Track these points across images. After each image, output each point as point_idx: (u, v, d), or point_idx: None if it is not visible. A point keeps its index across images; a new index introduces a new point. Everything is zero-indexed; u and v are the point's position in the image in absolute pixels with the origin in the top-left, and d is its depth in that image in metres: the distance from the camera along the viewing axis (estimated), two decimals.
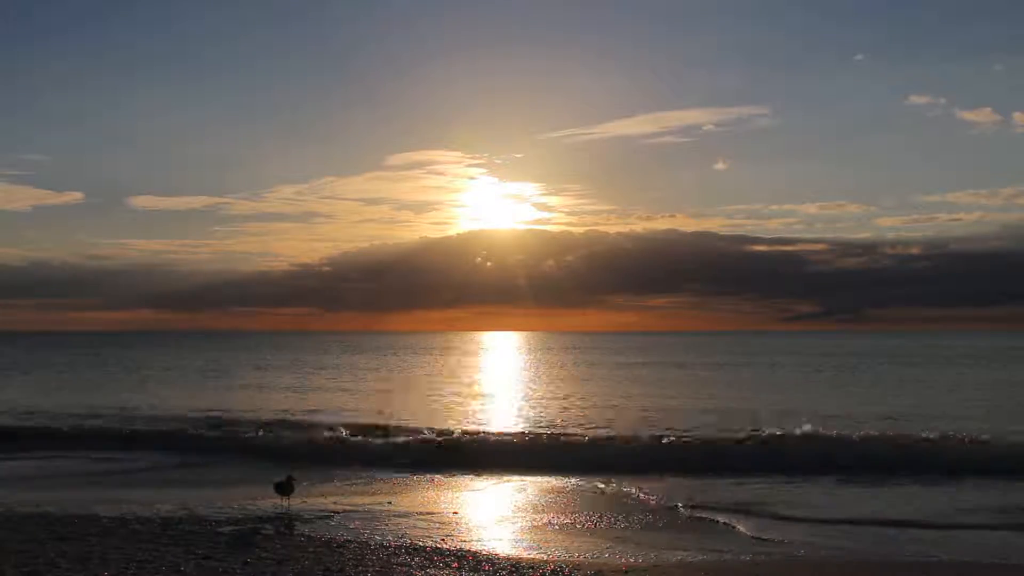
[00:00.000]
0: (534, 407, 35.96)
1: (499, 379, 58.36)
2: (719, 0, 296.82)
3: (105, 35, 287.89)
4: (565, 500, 16.94)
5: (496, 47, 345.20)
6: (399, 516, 15.34)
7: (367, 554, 12.28)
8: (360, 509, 15.87)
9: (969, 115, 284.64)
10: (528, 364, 79.71)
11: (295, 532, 13.91)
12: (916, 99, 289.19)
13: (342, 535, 13.65)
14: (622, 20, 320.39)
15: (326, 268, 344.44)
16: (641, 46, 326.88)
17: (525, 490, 18.12)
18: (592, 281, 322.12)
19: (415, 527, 14.45)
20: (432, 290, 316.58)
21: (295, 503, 15.77)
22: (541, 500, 17.03)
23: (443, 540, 13.43)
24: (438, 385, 49.53)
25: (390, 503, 16.53)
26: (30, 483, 19.25)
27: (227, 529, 13.93)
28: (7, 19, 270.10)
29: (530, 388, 47.55)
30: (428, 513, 15.71)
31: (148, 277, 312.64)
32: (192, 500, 16.58)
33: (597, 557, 12.39)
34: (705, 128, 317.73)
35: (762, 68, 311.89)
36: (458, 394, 42.39)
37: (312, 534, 13.69)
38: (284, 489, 15.61)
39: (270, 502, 15.92)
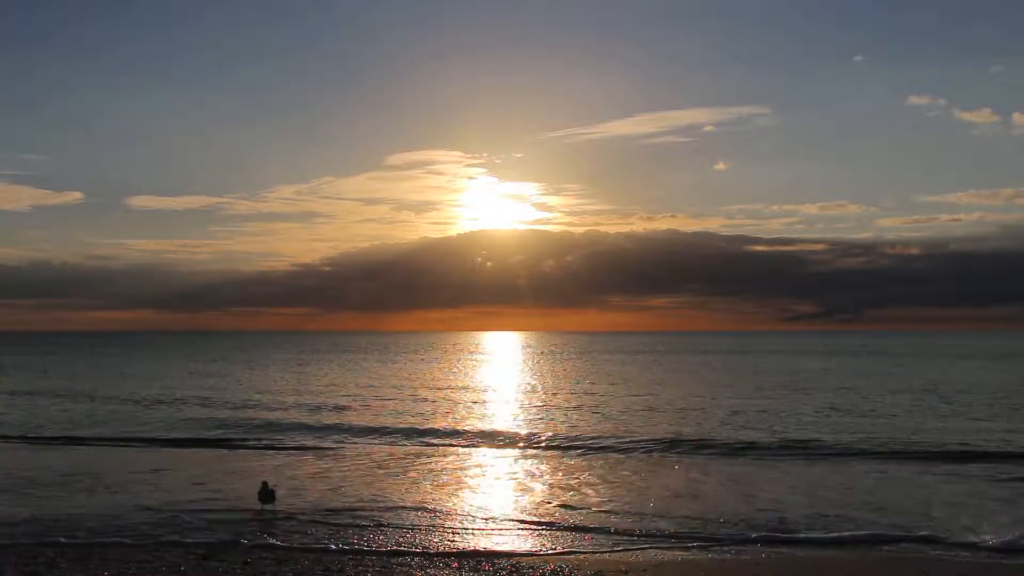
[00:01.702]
0: None
1: None
2: (719, 2, 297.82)
3: (105, 36, 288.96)
4: None
5: (496, 47, 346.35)
6: (399, 514, 15.30)
7: (367, 554, 12.26)
8: (359, 508, 15.81)
9: (968, 116, 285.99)
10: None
11: (295, 532, 13.85)
12: (915, 100, 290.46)
13: (342, 535, 13.61)
14: (622, 21, 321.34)
15: (326, 268, 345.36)
16: (641, 47, 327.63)
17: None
18: (592, 281, 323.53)
19: (415, 526, 14.43)
20: (432, 290, 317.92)
21: (297, 503, 15.73)
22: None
23: (443, 539, 13.40)
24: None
25: (387, 500, 16.48)
26: None
27: (227, 529, 13.89)
28: (7, 20, 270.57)
29: None
30: (428, 512, 15.66)
31: (148, 277, 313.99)
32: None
33: (598, 556, 12.36)
34: (705, 128, 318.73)
35: (762, 69, 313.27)
36: None
37: (312, 534, 13.66)
38: (264, 497, 15.24)
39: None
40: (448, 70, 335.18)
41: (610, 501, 16.49)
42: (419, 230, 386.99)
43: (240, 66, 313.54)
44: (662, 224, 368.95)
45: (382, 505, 16.13)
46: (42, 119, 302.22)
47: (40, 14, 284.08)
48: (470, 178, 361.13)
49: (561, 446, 23.99)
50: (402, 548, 12.63)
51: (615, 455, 22.42)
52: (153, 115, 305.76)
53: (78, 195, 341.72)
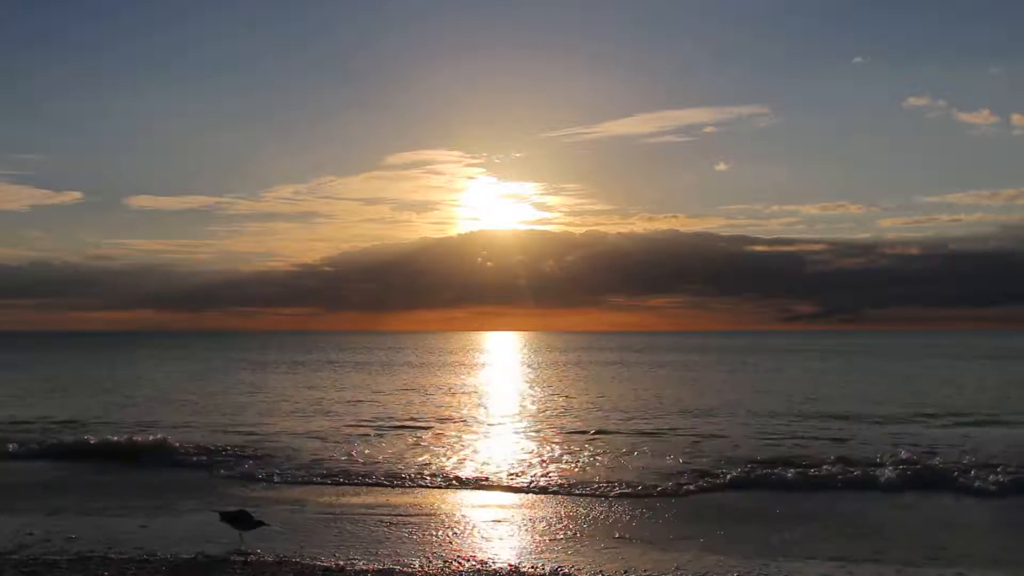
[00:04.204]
0: None
1: None
2: (720, 2, 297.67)
3: (104, 36, 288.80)
4: None
5: (496, 47, 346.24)
6: (399, 516, 15.31)
7: (371, 555, 12.27)
8: (359, 511, 15.82)
9: (968, 117, 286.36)
10: None
11: (296, 532, 13.85)
12: (915, 101, 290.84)
13: (342, 536, 13.62)
14: (622, 21, 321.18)
15: (327, 268, 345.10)
16: (641, 47, 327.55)
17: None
18: (592, 281, 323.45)
19: (415, 527, 14.44)
20: (432, 290, 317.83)
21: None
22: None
23: (442, 536, 13.41)
24: None
25: (386, 504, 16.49)
26: None
27: (227, 528, 13.85)
28: (7, 21, 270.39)
29: None
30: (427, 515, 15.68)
31: (148, 277, 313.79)
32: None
33: (595, 558, 12.36)
34: (705, 128, 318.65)
35: (762, 69, 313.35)
36: None
37: (314, 532, 13.66)
38: (239, 522, 12.88)
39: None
40: (448, 70, 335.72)
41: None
42: (419, 230, 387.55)
43: (240, 66, 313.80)
44: (662, 224, 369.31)
45: (380, 506, 16.16)
46: (42, 119, 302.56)
47: (40, 14, 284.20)
48: (470, 178, 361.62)
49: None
50: (402, 548, 12.66)
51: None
52: (153, 115, 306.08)
53: (78, 195, 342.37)
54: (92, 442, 23.40)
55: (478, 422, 30.58)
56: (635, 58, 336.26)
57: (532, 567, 11.62)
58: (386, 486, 18.25)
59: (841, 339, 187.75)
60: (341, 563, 11.75)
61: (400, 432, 27.33)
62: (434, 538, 13.53)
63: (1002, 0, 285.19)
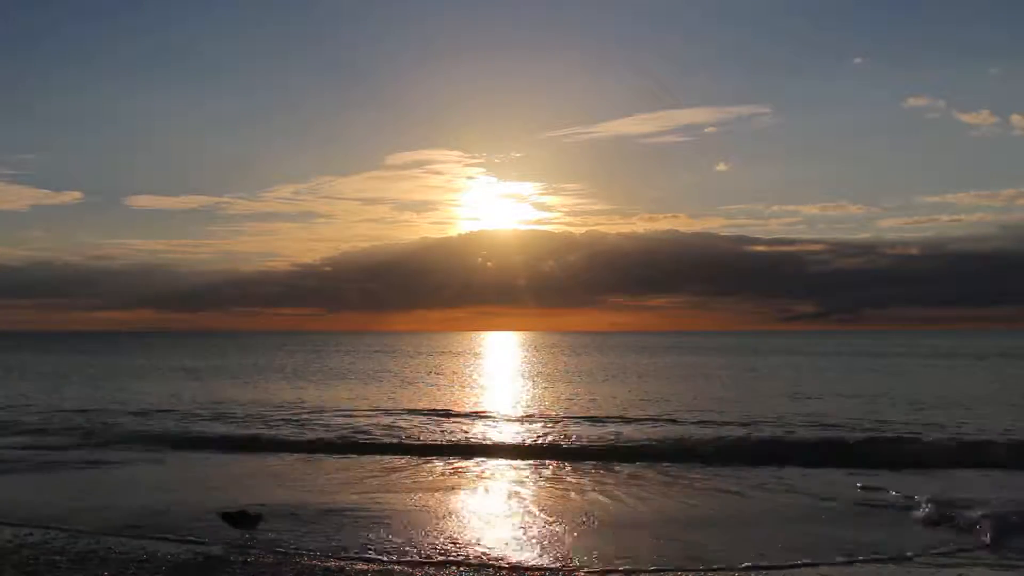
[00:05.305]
0: None
1: None
2: (720, 2, 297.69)
3: (104, 36, 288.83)
4: None
5: (496, 47, 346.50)
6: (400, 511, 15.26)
7: (372, 555, 12.24)
8: (360, 507, 15.78)
9: (967, 117, 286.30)
10: None
11: (296, 532, 13.82)
12: (915, 101, 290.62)
13: (343, 534, 13.58)
14: (622, 21, 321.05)
15: (326, 268, 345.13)
16: (641, 46, 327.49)
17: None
18: (592, 281, 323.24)
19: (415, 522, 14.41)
20: (433, 290, 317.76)
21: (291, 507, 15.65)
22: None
23: (442, 536, 13.37)
24: None
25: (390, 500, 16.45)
26: None
27: (228, 528, 13.83)
28: (7, 20, 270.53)
29: None
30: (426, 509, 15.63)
31: (148, 277, 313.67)
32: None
33: (598, 558, 12.31)
34: (705, 128, 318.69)
35: (762, 69, 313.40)
36: None
37: (314, 532, 13.62)
38: (239, 522, 13.08)
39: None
40: (448, 70, 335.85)
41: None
42: (419, 230, 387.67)
43: (240, 66, 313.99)
44: (662, 224, 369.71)
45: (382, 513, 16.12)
46: (42, 119, 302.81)
47: (40, 14, 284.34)
48: (470, 178, 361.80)
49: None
50: (403, 547, 12.62)
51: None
52: (153, 115, 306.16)
53: (77, 195, 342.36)
54: None
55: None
56: (635, 58, 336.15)
57: (533, 566, 11.59)
58: None
59: (843, 339, 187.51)
60: (341, 563, 11.73)
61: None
62: (437, 544, 13.49)
63: (1002, 0, 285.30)
